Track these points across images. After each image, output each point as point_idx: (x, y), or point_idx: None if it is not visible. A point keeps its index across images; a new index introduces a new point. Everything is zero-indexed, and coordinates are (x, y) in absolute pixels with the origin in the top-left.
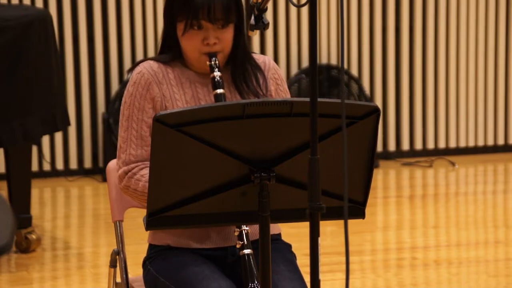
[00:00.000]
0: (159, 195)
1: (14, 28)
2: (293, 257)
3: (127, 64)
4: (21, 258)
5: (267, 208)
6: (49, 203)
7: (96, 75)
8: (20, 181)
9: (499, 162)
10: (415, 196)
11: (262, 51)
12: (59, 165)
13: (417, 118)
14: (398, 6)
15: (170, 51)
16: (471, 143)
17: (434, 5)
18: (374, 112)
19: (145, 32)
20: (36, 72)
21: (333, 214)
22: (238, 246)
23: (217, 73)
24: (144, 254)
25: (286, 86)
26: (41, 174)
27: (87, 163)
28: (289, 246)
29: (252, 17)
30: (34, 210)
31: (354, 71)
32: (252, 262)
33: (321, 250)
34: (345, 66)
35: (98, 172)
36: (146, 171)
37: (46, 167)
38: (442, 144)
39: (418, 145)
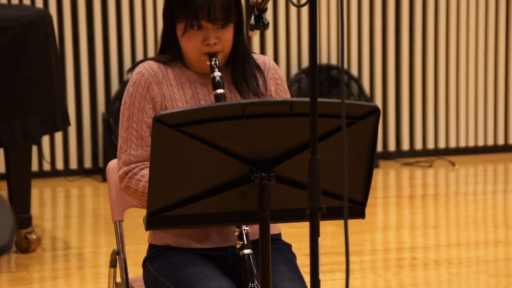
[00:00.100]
0: (159, 195)
1: (14, 28)
2: (293, 257)
3: (127, 64)
4: (21, 258)
5: (267, 208)
6: (49, 203)
7: (96, 75)
8: (20, 181)
9: (499, 162)
10: (415, 196)
11: (262, 51)
12: (59, 165)
13: (417, 118)
14: (398, 6)
15: (170, 51)
16: (471, 143)
17: (434, 5)
18: (374, 112)
19: (145, 32)
20: (36, 72)
21: (333, 214)
22: (238, 246)
23: (217, 73)
24: (144, 254)
25: (286, 86)
26: (41, 174)
27: (87, 163)
28: (289, 246)
29: (252, 17)
30: (34, 210)
31: (354, 71)
32: (252, 262)
33: (321, 250)
34: (345, 66)
35: (98, 172)
36: (146, 171)
37: (46, 167)
38: (442, 144)
39: (418, 145)
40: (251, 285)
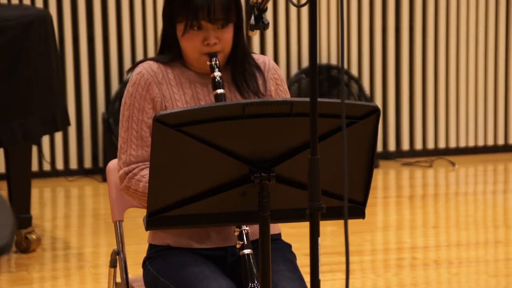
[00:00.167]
0: (159, 195)
1: (14, 28)
2: (293, 257)
3: (127, 64)
4: (21, 258)
5: (267, 208)
6: (49, 203)
7: (96, 75)
8: (20, 181)
9: (499, 162)
10: (415, 196)
11: (262, 51)
12: (59, 165)
13: (417, 118)
14: (398, 6)
15: (169, 52)
16: (471, 143)
17: (434, 5)
18: (374, 112)
19: (145, 32)
20: (36, 72)
21: (333, 214)
22: (238, 246)
23: (217, 73)
24: (144, 254)
25: (286, 86)
26: (41, 174)
27: (87, 163)
28: (289, 246)
29: (252, 17)
30: (34, 210)
31: (354, 71)
32: (252, 262)
33: (321, 250)
34: (345, 66)
35: (98, 172)
36: (146, 172)
37: (46, 167)
38: (442, 144)
39: (418, 145)
40: (251, 285)
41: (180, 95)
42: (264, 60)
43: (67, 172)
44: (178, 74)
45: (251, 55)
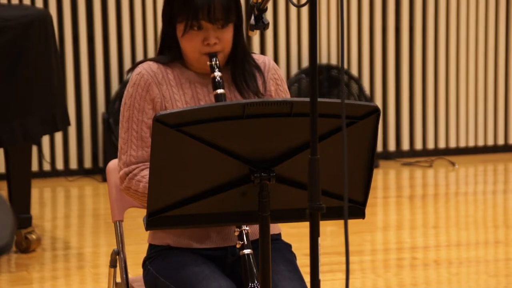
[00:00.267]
0: (159, 195)
1: (14, 28)
2: (293, 257)
3: (127, 64)
4: (21, 258)
5: (267, 208)
6: (49, 203)
7: (96, 75)
8: (20, 181)
9: (499, 162)
10: (415, 196)
11: (262, 51)
12: (59, 165)
13: (417, 118)
14: (398, 6)
15: (169, 52)
16: (471, 143)
17: (434, 5)
18: (374, 112)
19: (145, 32)
20: (36, 72)
21: (333, 214)
22: (238, 246)
23: (217, 73)
24: (144, 254)
25: (286, 86)
26: (41, 174)
27: (87, 163)
28: (289, 246)
29: (252, 17)
30: (34, 210)
31: (354, 71)
32: (252, 262)
33: (321, 250)
34: (345, 66)
35: (98, 172)
36: (146, 172)
37: (46, 167)
38: (442, 144)
39: (418, 145)
40: (251, 285)
41: (180, 95)
42: (264, 60)
43: (67, 172)
44: (178, 74)
45: (251, 55)
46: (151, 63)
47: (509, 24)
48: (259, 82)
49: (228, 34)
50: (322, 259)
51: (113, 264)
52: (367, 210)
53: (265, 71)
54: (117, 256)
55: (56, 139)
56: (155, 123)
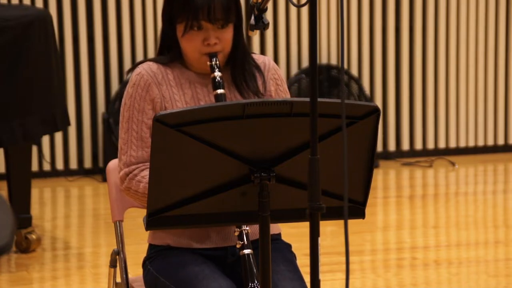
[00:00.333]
0: (159, 195)
1: (14, 28)
2: (293, 257)
3: (127, 64)
4: (21, 258)
5: (267, 208)
6: (49, 203)
7: (96, 75)
8: (20, 181)
9: (499, 162)
10: (415, 196)
11: (262, 51)
12: (59, 165)
13: (417, 118)
14: (398, 6)
15: (169, 52)
16: (471, 143)
17: (434, 5)
18: (374, 112)
19: (145, 32)
20: (36, 72)
21: (333, 214)
22: (238, 246)
23: (217, 73)
24: (144, 254)
25: (286, 86)
26: (41, 174)
27: (87, 163)
28: (289, 246)
29: (252, 17)
30: (34, 210)
31: (354, 71)
32: (252, 262)
33: (321, 250)
34: (345, 66)
35: (98, 172)
36: (146, 173)
37: (46, 167)
38: (442, 144)
39: (418, 145)
40: (251, 285)
41: (180, 96)
42: (264, 60)
43: (67, 172)
44: (178, 75)
45: (251, 55)
46: (151, 63)
47: (509, 24)
48: (259, 82)
49: (228, 34)
50: (322, 259)
51: (113, 264)
52: (367, 210)
53: (265, 71)
54: (117, 256)
55: (56, 139)
56: (155, 123)
